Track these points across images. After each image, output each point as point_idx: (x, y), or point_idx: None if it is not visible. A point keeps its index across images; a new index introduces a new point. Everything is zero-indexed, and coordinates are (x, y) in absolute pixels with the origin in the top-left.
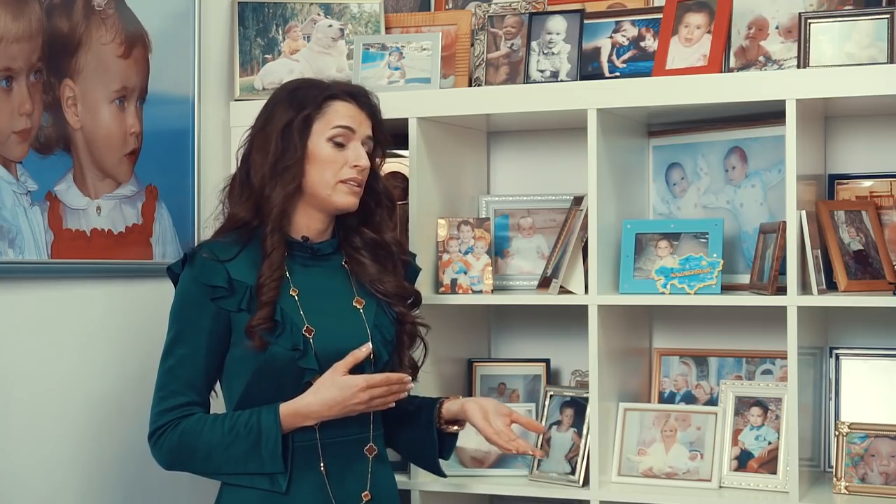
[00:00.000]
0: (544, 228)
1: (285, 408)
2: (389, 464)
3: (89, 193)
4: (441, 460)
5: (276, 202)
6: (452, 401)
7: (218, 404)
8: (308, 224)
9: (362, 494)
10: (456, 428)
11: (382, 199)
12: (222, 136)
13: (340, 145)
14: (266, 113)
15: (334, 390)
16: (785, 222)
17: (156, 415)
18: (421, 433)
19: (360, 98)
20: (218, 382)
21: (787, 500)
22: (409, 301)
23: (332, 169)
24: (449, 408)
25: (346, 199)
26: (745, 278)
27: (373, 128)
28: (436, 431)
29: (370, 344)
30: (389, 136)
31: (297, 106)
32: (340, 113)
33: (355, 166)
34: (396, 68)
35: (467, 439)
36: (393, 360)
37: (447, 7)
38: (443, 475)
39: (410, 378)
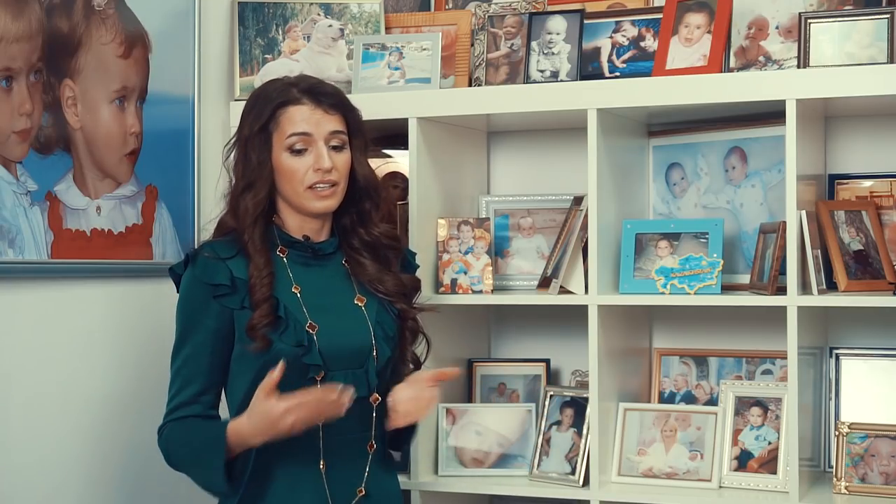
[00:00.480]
0: (544, 228)
1: (231, 429)
2: (392, 463)
3: (89, 193)
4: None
5: (249, 211)
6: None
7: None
8: (301, 225)
9: (356, 490)
10: (403, 423)
11: (369, 191)
12: (222, 136)
13: (301, 151)
14: (240, 122)
15: (259, 417)
16: (785, 222)
17: (165, 413)
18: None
19: (316, 95)
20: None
21: (787, 500)
22: (409, 297)
23: (297, 178)
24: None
25: (319, 204)
26: (745, 278)
27: (346, 121)
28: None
29: (283, 364)
30: (380, 134)
31: (254, 117)
32: (293, 119)
33: (318, 169)
34: (396, 68)
35: (467, 439)
36: (396, 356)
37: (447, 7)
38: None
39: (343, 389)
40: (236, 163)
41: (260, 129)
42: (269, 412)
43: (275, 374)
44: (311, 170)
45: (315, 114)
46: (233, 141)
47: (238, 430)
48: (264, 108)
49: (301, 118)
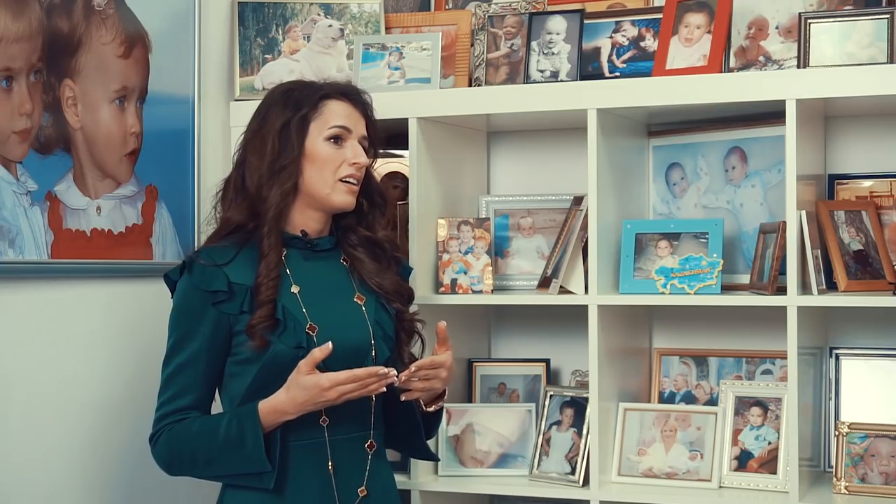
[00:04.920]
0: (544, 228)
1: (263, 406)
2: (388, 461)
3: (89, 193)
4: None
5: (273, 202)
6: None
7: (216, 407)
8: (306, 223)
9: (358, 490)
10: (434, 407)
11: (376, 198)
12: (222, 136)
13: (339, 143)
14: (260, 115)
15: (300, 391)
16: (785, 222)
17: (155, 420)
18: (408, 423)
19: (354, 97)
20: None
21: (787, 500)
22: (405, 298)
23: (331, 167)
24: None
25: (345, 198)
26: (745, 278)
27: (366, 127)
28: (419, 415)
29: (330, 345)
30: (381, 134)
31: (293, 106)
32: (336, 112)
33: (354, 164)
34: (396, 68)
35: (467, 439)
36: (394, 356)
37: (447, 7)
38: (436, 459)
39: (388, 370)
40: (256, 152)
41: (300, 118)
42: (311, 385)
43: (318, 354)
44: (346, 162)
45: (354, 113)
46: (251, 133)
47: (272, 405)
48: (307, 97)
49: (344, 113)
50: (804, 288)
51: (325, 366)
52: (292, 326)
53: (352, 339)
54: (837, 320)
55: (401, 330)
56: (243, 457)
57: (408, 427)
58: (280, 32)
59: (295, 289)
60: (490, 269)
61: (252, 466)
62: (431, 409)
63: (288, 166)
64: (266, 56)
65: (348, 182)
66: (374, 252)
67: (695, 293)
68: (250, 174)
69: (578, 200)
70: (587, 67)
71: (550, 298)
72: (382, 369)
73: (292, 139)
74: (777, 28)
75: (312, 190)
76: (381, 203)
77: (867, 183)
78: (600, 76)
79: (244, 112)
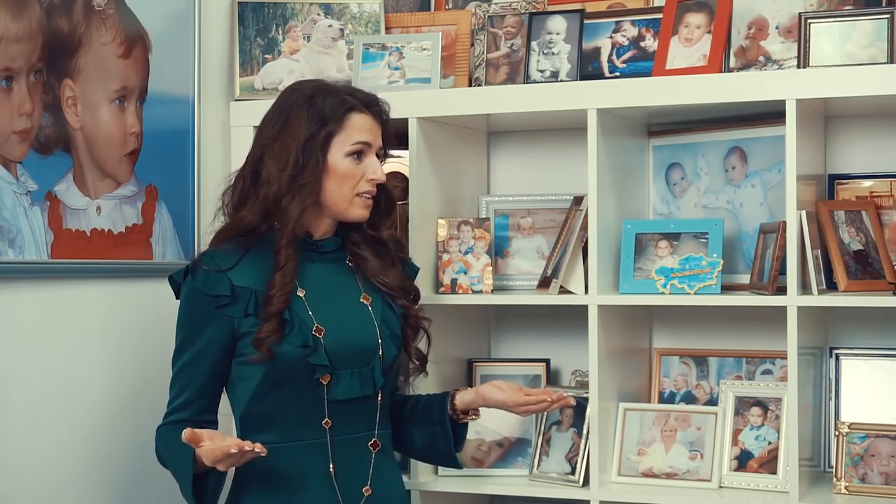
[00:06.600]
0: (544, 228)
1: (200, 452)
2: (395, 461)
3: (89, 193)
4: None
5: (293, 216)
6: (465, 391)
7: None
8: (317, 227)
9: (363, 490)
10: (472, 417)
11: (382, 199)
12: (222, 136)
13: (359, 159)
14: (282, 118)
15: (207, 460)
16: (785, 222)
17: (164, 415)
18: (434, 428)
19: (375, 108)
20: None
21: (787, 500)
22: (411, 296)
23: (351, 183)
24: (462, 398)
25: (361, 213)
26: (745, 278)
27: (382, 135)
28: (449, 424)
29: (188, 432)
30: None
31: (317, 119)
32: (360, 127)
33: (371, 179)
34: (396, 68)
35: (467, 440)
36: (401, 354)
37: (447, 7)
38: (460, 466)
39: (254, 445)
40: (276, 160)
41: (326, 135)
42: (219, 458)
43: (187, 435)
44: (364, 178)
45: (375, 126)
46: (270, 135)
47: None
48: (332, 111)
49: (367, 127)
50: (804, 288)
51: (332, 367)
52: (298, 327)
53: (359, 339)
54: (837, 320)
55: (407, 327)
56: (182, 484)
57: (436, 433)
58: (280, 32)
59: (301, 292)
60: (490, 269)
61: (187, 498)
62: (470, 419)
63: (310, 183)
64: (266, 56)
65: (364, 196)
66: (379, 250)
67: (695, 293)
68: (269, 179)
69: (578, 200)
70: (587, 67)
71: (550, 298)
72: (248, 444)
73: (316, 155)
74: (777, 28)
75: (330, 203)
76: (386, 205)
77: (867, 183)
78: (600, 76)
79: (244, 112)
